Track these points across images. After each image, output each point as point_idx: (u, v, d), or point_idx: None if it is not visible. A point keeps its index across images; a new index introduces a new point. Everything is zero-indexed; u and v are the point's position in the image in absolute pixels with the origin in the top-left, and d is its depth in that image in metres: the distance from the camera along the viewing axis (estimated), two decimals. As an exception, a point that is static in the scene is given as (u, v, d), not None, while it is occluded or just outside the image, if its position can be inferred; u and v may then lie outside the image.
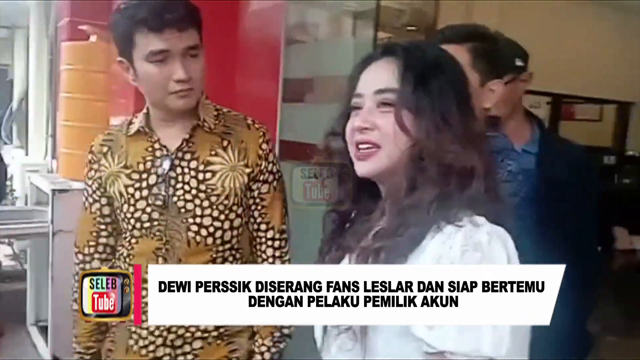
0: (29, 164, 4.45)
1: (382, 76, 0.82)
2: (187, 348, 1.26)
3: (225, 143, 1.27)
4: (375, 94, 0.82)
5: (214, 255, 1.26)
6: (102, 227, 1.32)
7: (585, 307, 1.43)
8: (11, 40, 7.01)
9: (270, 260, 1.31)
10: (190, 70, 1.18)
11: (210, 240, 1.25)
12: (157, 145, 1.26)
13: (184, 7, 1.18)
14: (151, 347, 1.26)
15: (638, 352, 3.58)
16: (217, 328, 1.27)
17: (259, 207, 1.30)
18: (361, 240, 0.83)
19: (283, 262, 1.32)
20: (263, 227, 1.31)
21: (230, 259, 1.28)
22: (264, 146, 1.29)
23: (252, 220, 1.31)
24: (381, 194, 0.86)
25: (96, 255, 1.32)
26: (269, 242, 1.31)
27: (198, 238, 1.24)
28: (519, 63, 1.52)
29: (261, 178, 1.28)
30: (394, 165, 0.80)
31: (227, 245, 1.27)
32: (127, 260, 1.28)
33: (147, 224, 1.24)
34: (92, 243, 1.32)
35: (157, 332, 1.25)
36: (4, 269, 4.16)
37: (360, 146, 0.81)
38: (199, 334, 1.26)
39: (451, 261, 0.71)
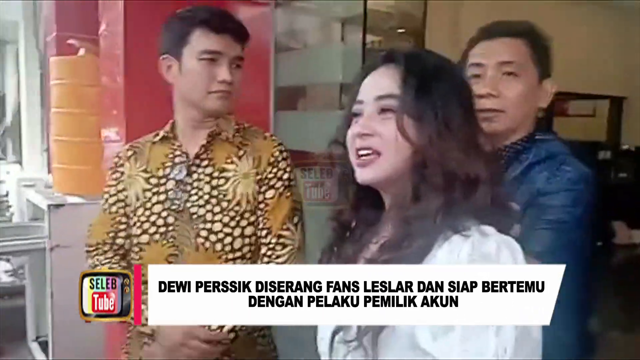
0: (24, 179, 4.43)
1: (382, 83, 0.82)
2: None
3: (241, 152, 1.30)
4: (375, 100, 0.81)
5: (224, 264, 1.24)
6: (121, 226, 1.32)
7: (586, 307, 1.42)
8: (1, 55, 7.02)
9: (263, 262, 1.28)
10: (233, 76, 1.25)
11: (219, 246, 1.25)
12: (177, 152, 1.31)
13: (240, 21, 1.31)
14: None
15: (638, 348, 3.57)
16: None
17: (263, 212, 1.29)
18: (363, 251, 0.83)
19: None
20: (264, 232, 1.29)
21: None
22: (276, 154, 1.30)
23: (258, 227, 1.29)
24: (383, 203, 0.85)
25: (109, 254, 1.30)
26: (264, 247, 1.28)
27: (207, 244, 1.24)
28: None
29: (268, 183, 1.29)
30: (395, 172, 0.79)
31: (238, 254, 1.26)
32: None
33: (162, 229, 1.26)
34: (107, 241, 1.32)
35: None
36: (2, 285, 4.13)
37: (360, 152, 0.81)
38: None
39: None
